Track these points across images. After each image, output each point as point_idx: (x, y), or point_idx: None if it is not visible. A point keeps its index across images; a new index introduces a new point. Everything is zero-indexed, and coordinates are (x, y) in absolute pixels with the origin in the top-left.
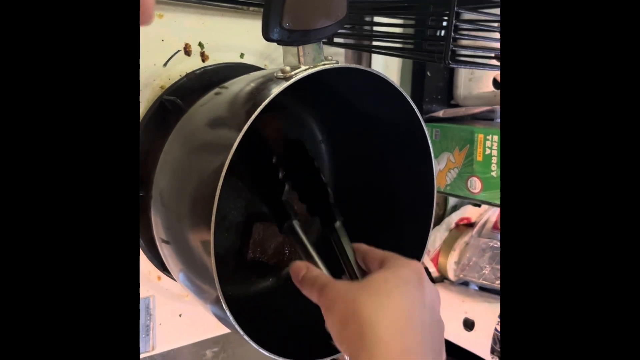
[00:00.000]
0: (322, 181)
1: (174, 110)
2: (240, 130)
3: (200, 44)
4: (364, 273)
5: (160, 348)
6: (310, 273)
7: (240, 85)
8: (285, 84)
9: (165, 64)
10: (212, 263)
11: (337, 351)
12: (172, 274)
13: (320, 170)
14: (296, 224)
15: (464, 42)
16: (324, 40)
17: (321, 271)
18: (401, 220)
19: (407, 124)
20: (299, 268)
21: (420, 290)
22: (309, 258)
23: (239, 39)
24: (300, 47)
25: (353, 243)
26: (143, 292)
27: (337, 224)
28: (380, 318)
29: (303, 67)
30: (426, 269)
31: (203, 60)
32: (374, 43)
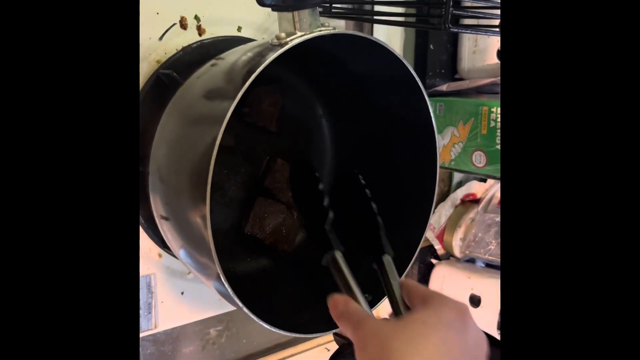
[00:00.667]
0: (373, 211)
1: (171, 84)
2: (234, 99)
3: (197, 17)
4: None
5: (163, 326)
6: (348, 307)
7: (236, 55)
8: (281, 50)
9: (160, 38)
10: (209, 238)
11: (337, 326)
12: (172, 250)
13: (371, 199)
14: (339, 256)
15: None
16: (320, 9)
17: (360, 306)
18: (404, 195)
19: (410, 97)
20: (337, 302)
21: (462, 335)
22: (349, 292)
23: (236, 11)
24: (296, 13)
25: (400, 279)
26: (144, 270)
27: (387, 257)
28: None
29: (299, 34)
30: (431, 246)
31: (200, 34)
32: (375, 9)
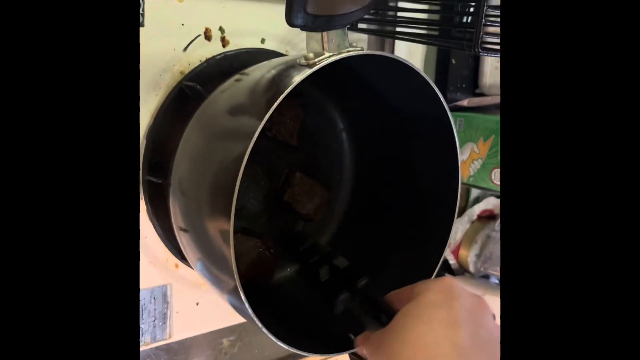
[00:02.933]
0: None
1: (194, 96)
2: (261, 119)
3: (221, 29)
4: None
5: (177, 336)
6: (367, 340)
7: (261, 71)
8: (309, 71)
9: (185, 49)
10: (231, 253)
11: (352, 347)
12: (189, 262)
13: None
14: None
15: (491, 29)
16: (348, 26)
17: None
18: (424, 211)
19: (432, 112)
20: (359, 343)
21: (448, 309)
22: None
23: (261, 23)
24: (325, 33)
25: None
26: (160, 280)
27: (362, 282)
28: (403, 356)
29: (327, 54)
30: (446, 261)
31: (223, 46)
32: (398, 29)
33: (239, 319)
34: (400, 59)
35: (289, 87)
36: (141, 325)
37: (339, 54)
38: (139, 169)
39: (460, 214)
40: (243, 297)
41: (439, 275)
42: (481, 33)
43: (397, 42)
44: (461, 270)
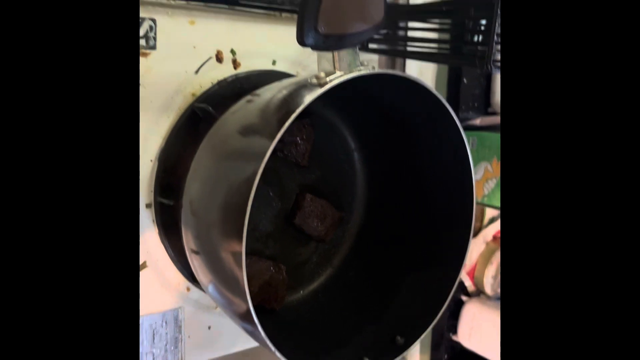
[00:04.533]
0: None
1: (205, 118)
2: (273, 139)
3: (232, 51)
4: None
5: None
6: None
7: (272, 92)
8: (320, 91)
9: (196, 71)
10: (243, 275)
11: None
12: (201, 285)
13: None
14: None
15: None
16: (359, 45)
17: None
18: (439, 232)
19: (444, 131)
20: None
21: None
22: None
23: (271, 45)
24: (336, 53)
25: None
26: (172, 304)
27: None
28: None
29: (338, 73)
30: (461, 283)
31: (235, 67)
32: (409, 49)
33: (253, 343)
34: (412, 78)
35: (300, 106)
36: (152, 350)
37: (350, 73)
38: (138, 192)
39: (476, 234)
40: (256, 320)
41: (455, 298)
42: (493, 50)
43: (408, 62)
44: (477, 292)
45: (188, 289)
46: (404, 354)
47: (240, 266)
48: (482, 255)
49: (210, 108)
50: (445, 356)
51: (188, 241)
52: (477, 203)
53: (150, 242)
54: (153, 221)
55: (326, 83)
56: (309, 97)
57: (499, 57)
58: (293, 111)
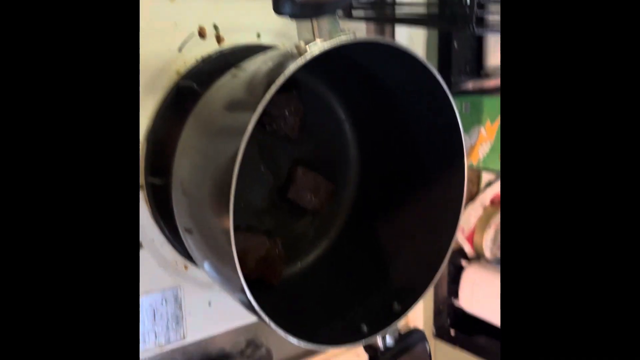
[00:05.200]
0: None
1: (191, 96)
2: (255, 110)
3: (215, 26)
4: None
5: (192, 338)
6: None
7: (256, 65)
8: (301, 61)
9: (180, 49)
10: (232, 250)
11: (366, 336)
12: (197, 263)
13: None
14: None
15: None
16: (340, 13)
17: None
18: (432, 199)
19: (433, 97)
20: None
21: None
22: None
23: (255, 18)
24: (315, 21)
25: None
26: (170, 283)
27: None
28: None
29: (318, 42)
30: (461, 249)
31: (218, 43)
32: (396, 14)
33: (253, 318)
34: (393, 43)
35: (280, 77)
36: (154, 328)
37: (330, 40)
38: (138, 170)
39: (473, 199)
40: (248, 293)
41: (455, 263)
42: (475, 9)
43: (397, 30)
44: (477, 257)
45: (186, 267)
46: (401, 319)
47: (229, 241)
48: (480, 220)
49: (195, 85)
50: (448, 321)
51: (181, 220)
52: (473, 167)
53: (145, 223)
54: (146, 201)
55: (306, 51)
56: (291, 67)
57: (485, 17)
58: (274, 82)
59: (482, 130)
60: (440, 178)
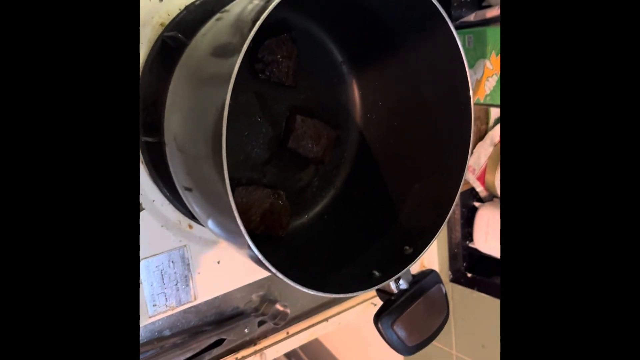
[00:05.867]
0: None
1: (177, 47)
2: (241, 51)
3: None
4: None
5: (203, 297)
6: None
7: (241, 5)
8: None
9: None
10: (233, 207)
11: (379, 282)
12: (200, 221)
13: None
14: None
15: None
16: None
17: None
18: (439, 138)
19: (434, 30)
20: None
21: None
22: None
23: None
24: None
25: None
26: (176, 243)
27: None
28: None
29: None
30: (473, 190)
31: None
32: None
33: (265, 273)
34: None
35: (265, 11)
36: (164, 290)
37: None
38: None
39: (482, 137)
40: (253, 247)
41: (468, 205)
42: None
43: None
44: (490, 197)
45: (190, 227)
46: (414, 263)
47: (227, 195)
48: (490, 158)
49: (180, 35)
50: (464, 264)
51: (179, 179)
52: (480, 104)
53: (143, 183)
54: (142, 162)
55: None
56: (274, 1)
57: None
58: (259, 17)
59: (488, 63)
60: (445, 115)
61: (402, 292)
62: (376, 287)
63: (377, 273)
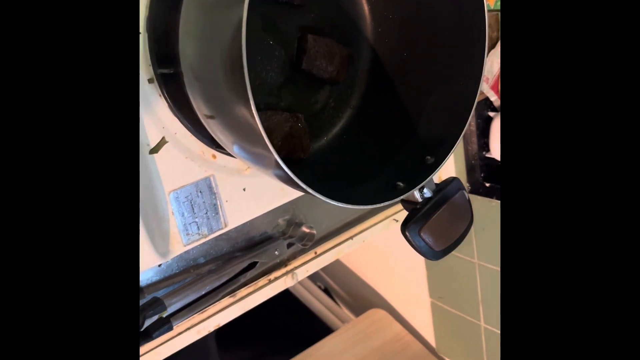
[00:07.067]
0: None
1: None
2: None
3: None
4: None
5: (233, 224)
6: None
7: None
8: None
9: None
10: (260, 128)
11: (403, 192)
12: (225, 148)
13: None
14: None
15: None
16: None
17: None
18: (454, 47)
19: None
20: None
21: None
22: None
23: None
24: None
25: None
26: (201, 173)
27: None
28: None
29: None
30: (487, 99)
31: None
32: None
33: (289, 197)
34: None
35: None
36: (195, 220)
37: None
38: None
39: (494, 45)
40: (283, 165)
41: (482, 115)
42: None
43: None
44: None
45: (214, 157)
46: (437, 171)
47: (254, 118)
48: None
49: None
50: (482, 175)
51: (200, 108)
52: (491, 10)
53: (164, 117)
54: (160, 95)
55: None
56: None
57: None
58: None
59: None
60: (458, 24)
61: (426, 200)
62: (401, 197)
63: (401, 184)
